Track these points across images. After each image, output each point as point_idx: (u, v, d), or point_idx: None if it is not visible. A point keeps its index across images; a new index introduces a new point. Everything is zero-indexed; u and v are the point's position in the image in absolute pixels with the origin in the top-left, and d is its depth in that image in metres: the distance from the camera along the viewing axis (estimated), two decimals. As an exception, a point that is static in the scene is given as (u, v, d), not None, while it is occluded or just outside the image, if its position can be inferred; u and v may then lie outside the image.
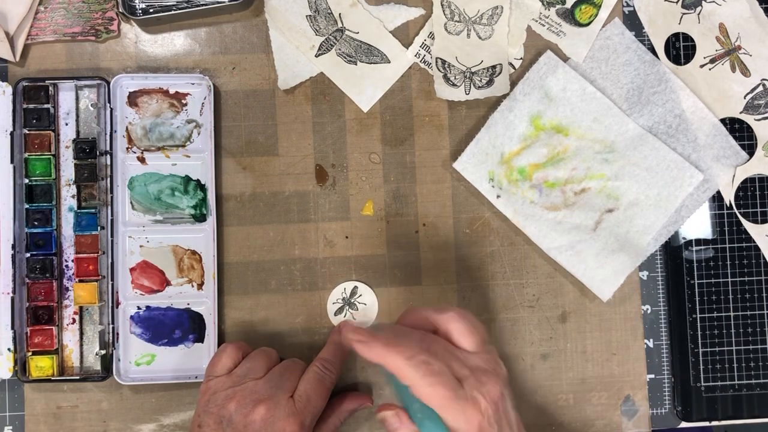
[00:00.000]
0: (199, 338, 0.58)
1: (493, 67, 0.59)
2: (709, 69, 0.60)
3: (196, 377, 0.57)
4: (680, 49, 0.60)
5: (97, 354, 0.57)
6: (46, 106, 0.56)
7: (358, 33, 0.59)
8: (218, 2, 0.57)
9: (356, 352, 0.45)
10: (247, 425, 0.49)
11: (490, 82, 0.59)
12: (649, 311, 0.60)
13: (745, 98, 0.60)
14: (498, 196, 0.59)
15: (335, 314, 0.59)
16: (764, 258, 0.60)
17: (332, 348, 0.56)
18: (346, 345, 0.46)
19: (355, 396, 0.57)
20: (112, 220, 0.56)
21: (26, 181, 0.56)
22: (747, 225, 0.60)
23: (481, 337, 0.47)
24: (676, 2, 0.60)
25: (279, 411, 0.49)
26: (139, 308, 0.57)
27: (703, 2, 0.60)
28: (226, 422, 0.49)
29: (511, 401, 0.46)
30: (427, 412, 0.43)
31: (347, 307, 0.59)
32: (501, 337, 0.60)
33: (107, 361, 0.57)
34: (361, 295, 0.59)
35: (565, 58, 0.59)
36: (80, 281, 0.56)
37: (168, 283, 0.58)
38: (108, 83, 0.57)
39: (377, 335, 0.45)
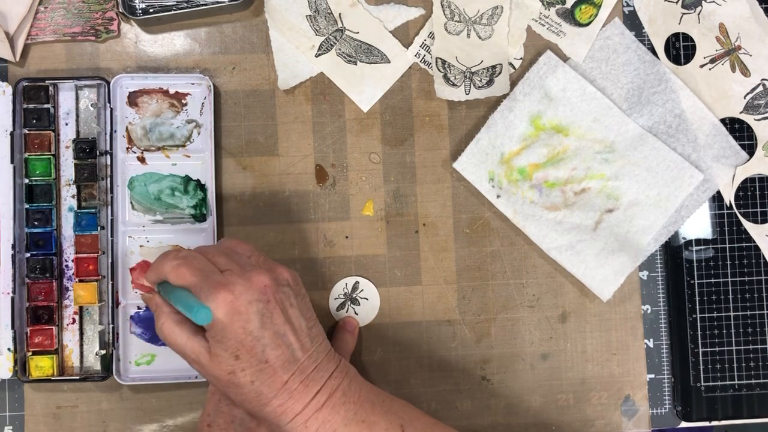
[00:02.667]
0: (199, 338, 0.58)
1: (493, 67, 0.59)
2: (709, 69, 0.60)
3: (197, 377, 0.57)
4: (680, 49, 0.60)
5: (97, 354, 0.57)
6: (46, 106, 0.56)
7: (358, 33, 0.59)
8: (218, 2, 0.57)
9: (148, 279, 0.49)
10: (260, 424, 0.49)
11: (490, 82, 0.59)
12: (649, 311, 0.60)
13: (745, 98, 0.60)
14: (498, 196, 0.59)
15: (337, 310, 0.59)
16: (764, 258, 0.60)
17: (338, 344, 0.56)
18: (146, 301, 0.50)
19: (344, 325, 0.58)
20: (112, 220, 0.56)
21: (26, 181, 0.56)
22: (747, 225, 0.60)
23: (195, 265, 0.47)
24: (676, 2, 0.60)
25: None
26: (139, 308, 0.57)
27: (703, 2, 0.60)
28: (238, 422, 0.49)
29: (300, 299, 0.48)
30: (179, 297, 0.46)
31: (349, 303, 0.59)
32: (501, 337, 0.60)
33: (107, 361, 0.57)
34: (362, 290, 0.59)
35: (565, 58, 0.59)
36: (80, 281, 0.56)
37: (168, 283, 0.58)
38: (108, 83, 0.57)
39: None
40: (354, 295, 0.59)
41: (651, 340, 0.60)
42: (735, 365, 0.60)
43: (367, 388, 0.49)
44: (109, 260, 0.56)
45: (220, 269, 0.46)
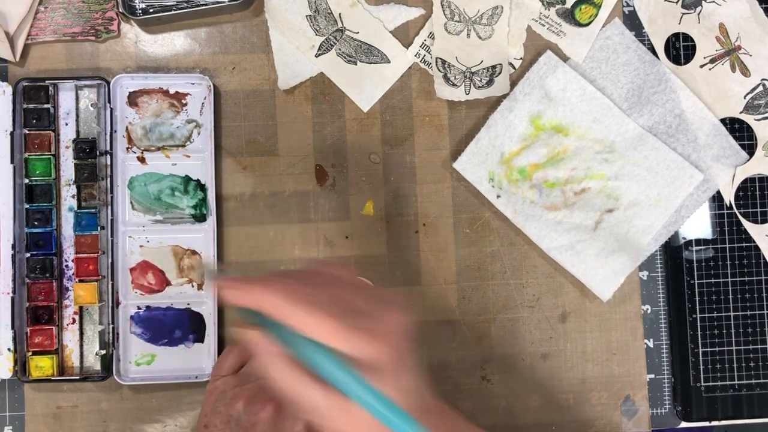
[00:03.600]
0: (199, 338, 0.58)
1: (493, 67, 0.59)
2: (709, 69, 0.60)
3: (197, 377, 0.57)
4: (680, 49, 0.60)
5: (97, 354, 0.57)
6: (46, 106, 0.56)
7: (358, 33, 0.59)
8: (218, 2, 0.57)
9: (229, 301, 0.37)
10: (255, 424, 0.48)
11: (490, 82, 0.59)
12: (649, 311, 0.60)
13: (745, 98, 0.60)
14: (498, 196, 0.59)
15: (335, 314, 0.59)
16: (764, 258, 0.60)
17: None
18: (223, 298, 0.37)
19: None
20: (112, 220, 0.56)
21: (26, 181, 0.56)
22: (747, 225, 0.60)
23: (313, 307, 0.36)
24: (676, 2, 0.60)
25: (288, 410, 0.49)
26: (139, 308, 0.57)
27: (703, 2, 0.60)
28: (234, 421, 0.49)
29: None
30: (317, 349, 0.36)
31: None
32: (501, 337, 0.60)
33: (107, 361, 0.57)
34: None
35: (565, 58, 0.59)
36: (80, 281, 0.56)
37: (168, 283, 0.58)
38: (108, 83, 0.57)
39: (252, 278, 0.37)
40: (354, 295, 0.59)
41: (651, 340, 0.60)
42: (735, 365, 0.60)
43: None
44: (109, 260, 0.56)
45: (351, 307, 0.37)
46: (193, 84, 0.58)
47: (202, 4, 0.57)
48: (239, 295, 0.37)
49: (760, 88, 0.60)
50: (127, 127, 0.58)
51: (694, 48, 0.60)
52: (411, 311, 0.40)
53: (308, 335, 0.35)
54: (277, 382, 0.37)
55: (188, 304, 0.58)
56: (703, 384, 0.60)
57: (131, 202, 0.58)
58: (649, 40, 0.60)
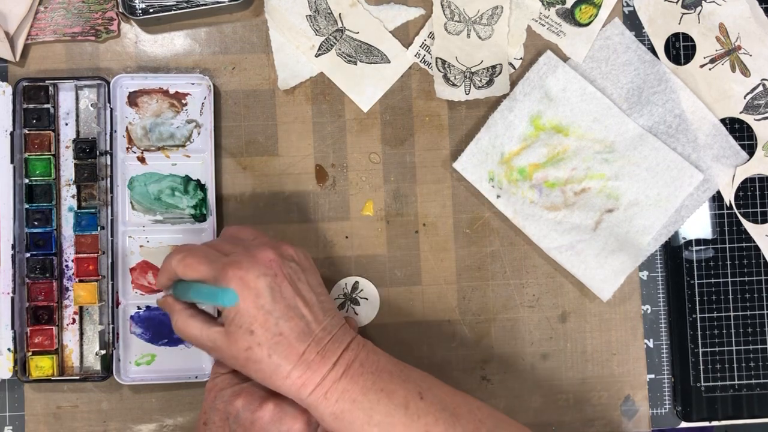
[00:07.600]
0: (199, 338, 0.58)
1: (493, 67, 0.59)
2: (709, 69, 0.60)
3: (197, 377, 0.57)
4: (680, 49, 0.60)
5: (97, 354, 0.57)
6: (46, 106, 0.56)
7: (358, 33, 0.59)
8: (218, 2, 0.57)
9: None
10: (254, 422, 0.48)
11: (490, 82, 0.59)
12: (649, 311, 0.60)
13: (745, 98, 0.60)
14: (498, 196, 0.59)
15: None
16: (764, 258, 0.60)
17: None
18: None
19: None
20: (112, 220, 0.56)
21: (26, 181, 0.56)
22: (747, 225, 0.60)
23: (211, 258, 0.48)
24: (676, 2, 0.60)
25: (286, 408, 0.49)
26: (139, 308, 0.57)
27: (703, 2, 0.60)
28: (233, 419, 0.49)
29: (308, 274, 0.49)
30: (199, 290, 0.47)
31: (349, 303, 0.59)
32: (501, 337, 0.60)
33: (107, 361, 0.57)
34: (362, 290, 0.59)
35: (565, 58, 0.59)
36: (80, 281, 0.56)
37: (168, 283, 0.58)
38: (108, 83, 0.57)
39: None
40: (354, 295, 0.59)
41: (651, 340, 0.60)
42: (735, 365, 0.60)
43: (385, 358, 0.50)
44: (109, 260, 0.56)
45: (225, 254, 0.48)
46: (193, 84, 0.58)
47: (202, 4, 0.57)
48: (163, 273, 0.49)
49: (760, 88, 0.60)
50: (127, 127, 0.58)
51: (694, 48, 0.60)
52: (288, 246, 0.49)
53: (192, 278, 0.47)
54: (182, 331, 0.48)
55: (188, 304, 0.58)
56: (703, 384, 0.60)
57: (131, 202, 0.58)
58: (649, 40, 0.60)
